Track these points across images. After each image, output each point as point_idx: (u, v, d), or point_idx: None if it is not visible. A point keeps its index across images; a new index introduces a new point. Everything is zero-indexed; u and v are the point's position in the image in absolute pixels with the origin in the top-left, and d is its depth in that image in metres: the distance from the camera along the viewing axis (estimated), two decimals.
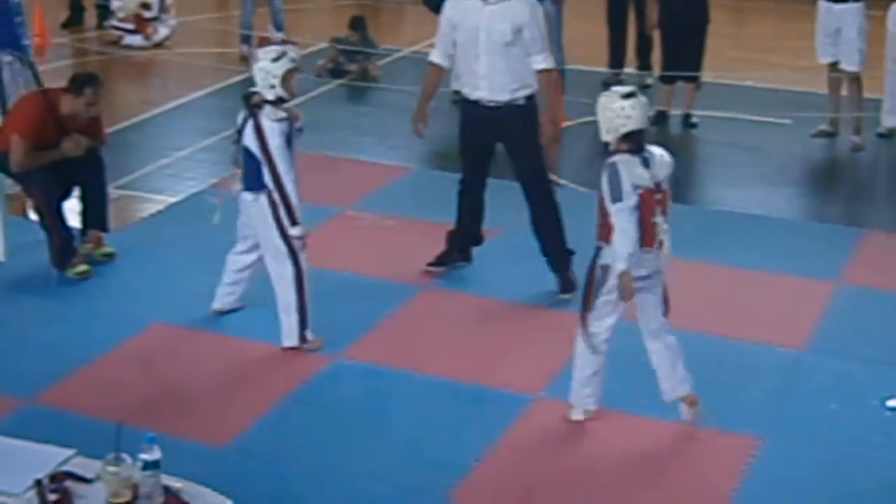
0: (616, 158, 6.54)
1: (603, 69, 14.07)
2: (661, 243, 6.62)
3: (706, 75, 12.89)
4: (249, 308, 8.11)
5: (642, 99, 6.60)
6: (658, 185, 6.55)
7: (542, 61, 8.27)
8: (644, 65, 13.89)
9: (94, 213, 9.00)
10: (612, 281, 6.64)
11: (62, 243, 8.67)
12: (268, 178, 7.49)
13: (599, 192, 6.59)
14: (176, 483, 5.04)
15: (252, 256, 7.87)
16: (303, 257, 7.61)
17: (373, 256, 8.93)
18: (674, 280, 8.79)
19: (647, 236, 6.56)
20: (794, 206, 10.92)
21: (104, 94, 8.78)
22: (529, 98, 8.35)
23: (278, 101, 7.54)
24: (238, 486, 5.50)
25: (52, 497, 4.95)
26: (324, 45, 14.60)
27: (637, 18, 13.69)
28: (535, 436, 6.94)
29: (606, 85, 13.87)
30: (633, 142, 6.54)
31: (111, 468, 4.88)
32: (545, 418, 7.12)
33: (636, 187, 6.49)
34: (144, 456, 4.91)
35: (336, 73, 14.16)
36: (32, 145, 8.55)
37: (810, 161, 12.03)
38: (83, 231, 9.02)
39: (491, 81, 8.25)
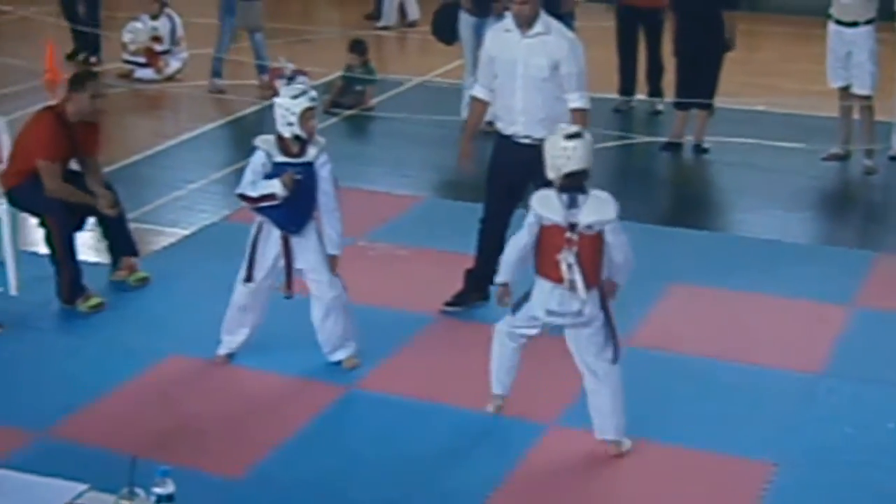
0: (535, 194, 6.73)
1: (613, 96, 14.07)
2: (571, 284, 6.62)
3: (717, 100, 12.88)
4: (263, 339, 8.10)
5: (587, 139, 6.67)
6: (573, 226, 6.57)
7: (577, 100, 8.15)
8: (655, 91, 13.88)
9: (122, 241, 9.06)
10: (531, 299, 6.83)
11: (72, 278, 8.67)
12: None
13: None
14: None
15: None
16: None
17: (386, 286, 8.93)
18: (688, 307, 8.83)
19: (547, 268, 6.69)
20: (807, 230, 10.90)
21: (105, 91, 8.74)
22: None
23: (297, 141, 7.50)
24: None
25: None
26: (336, 74, 14.59)
27: (647, 44, 13.70)
28: (551, 464, 6.91)
29: (617, 111, 13.95)
30: (574, 181, 6.60)
31: (124, 502, 4.87)
32: (560, 447, 7.09)
33: (541, 218, 6.63)
34: (158, 490, 4.90)
35: (336, 104, 14.12)
36: (59, 166, 8.57)
37: (823, 185, 12.00)
38: (115, 260, 9.07)
39: (527, 117, 8.15)
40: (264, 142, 7.54)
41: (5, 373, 7.95)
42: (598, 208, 6.62)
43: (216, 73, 14.92)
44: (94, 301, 8.71)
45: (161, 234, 10.27)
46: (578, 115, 8.12)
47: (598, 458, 6.94)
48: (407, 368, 7.99)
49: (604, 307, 6.80)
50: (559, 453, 7.04)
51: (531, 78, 8.09)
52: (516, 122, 8.23)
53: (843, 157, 12.34)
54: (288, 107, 7.42)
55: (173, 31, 15.73)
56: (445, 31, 13.55)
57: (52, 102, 9.09)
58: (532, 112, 8.14)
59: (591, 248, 6.64)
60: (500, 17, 13.23)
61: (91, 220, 9.02)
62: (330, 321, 7.71)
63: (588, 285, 6.62)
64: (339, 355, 7.79)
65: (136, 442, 6.71)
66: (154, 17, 15.76)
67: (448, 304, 8.69)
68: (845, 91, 12.13)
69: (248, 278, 7.68)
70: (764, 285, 9.18)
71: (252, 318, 7.84)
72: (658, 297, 8.97)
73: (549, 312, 6.73)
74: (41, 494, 5.23)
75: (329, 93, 14.24)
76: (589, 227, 6.59)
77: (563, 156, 6.59)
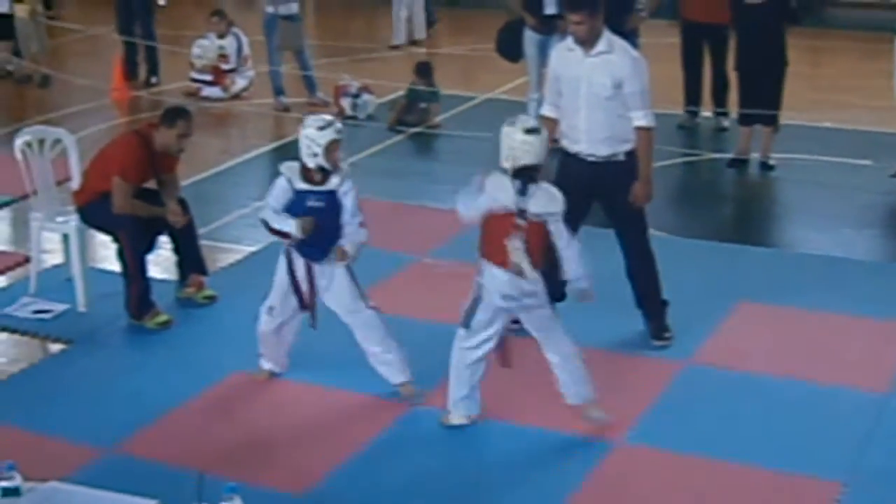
0: (490, 176, 7.00)
1: (678, 111, 14.03)
2: (518, 268, 6.91)
3: (784, 117, 12.81)
4: (327, 355, 8.12)
5: (544, 136, 6.97)
6: (522, 212, 6.87)
7: (642, 118, 8.09)
8: (720, 107, 13.81)
9: (191, 259, 9.14)
10: (486, 299, 7.08)
11: (141, 293, 8.74)
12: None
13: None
14: None
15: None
16: None
17: (449, 304, 8.88)
18: (756, 324, 8.77)
19: (496, 254, 6.97)
20: (875, 247, 10.80)
21: (192, 131, 8.83)
22: (629, 154, 8.17)
23: (320, 171, 7.50)
24: None
25: None
26: (400, 91, 14.64)
27: (712, 60, 13.63)
28: (619, 482, 6.89)
29: (682, 128, 13.90)
30: (527, 172, 6.91)
31: None
32: (628, 464, 7.07)
33: (494, 200, 6.91)
34: None
35: (402, 122, 14.16)
36: (134, 188, 8.64)
37: (891, 202, 11.89)
38: (182, 278, 9.17)
39: (590, 135, 8.10)
40: (288, 168, 7.57)
41: (74, 388, 8.02)
42: (547, 200, 6.96)
43: (278, 91, 15.02)
44: (161, 318, 8.77)
45: (227, 251, 10.32)
46: (643, 133, 8.10)
47: (665, 477, 6.91)
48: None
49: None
50: (628, 470, 7.01)
51: (595, 97, 8.03)
52: (580, 141, 8.18)
53: None
54: (314, 138, 7.41)
55: (239, 49, 15.85)
56: (511, 48, 13.54)
57: (139, 127, 9.16)
58: (595, 131, 8.10)
59: (538, 235, 6.95)
60: (564, 35, 13.24)
61: (162, 239, 9.09)
62: (376, 352, 7.75)
63: (534, 268, 6.95)
64: (396, 379, 7.80)
65: (203, 458, 6.76)
66: (221, 36, 15.89)
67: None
68: None
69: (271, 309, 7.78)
70: (831, 303, 9.11)
71: (289, 336, 7.91)
72: (725, 314, 8.92)
73: (506, 297, 7.02)
74: None
75: (394, 110, 14.28)
76: (537, 215, 6.91)
77: (521, 148, 6.88)
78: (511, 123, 6.96)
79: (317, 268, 7.60)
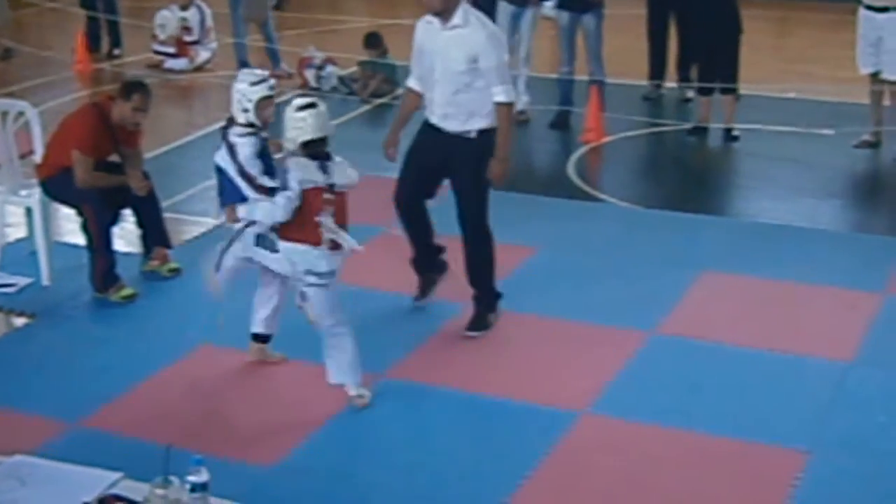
0: (291, 159, 7.03)
1: (643, 83, 14.06)
2: (333, 244, 7.02)
3: (747, 88, 12.86)
4: (294, 329, 8.12)
5: (321, 110, 7.00)
6: (331, 186, 6.99)
7: (501, 93, 7.81)
8: (685, 78, 13.84)
9: (155, 232, 9.12)
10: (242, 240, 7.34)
11: (106, 267, 8.71)
12: (251, 194, 7.35)
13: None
14: None
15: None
16: None
17: (414, 276, 8.92)
18: (720, 294, 8.82)
19: (310, 234, 7.01)
20: (838, 217, 10.87)
21: (151, 103, 8.79)
22: (482, 132, 7.93)
23: (249, 127, 7.42)
24: None
25: None
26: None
27: (678, 31, 13.66)
28: (582, 452, 6.91)
29: (646, 99, 13.94)
30: (311, 149, 6.98)
31: (159, 491, 4.88)
32: (592, 434, 7.09)
33: (303, 182, 6.94)
34: (192, 478, 4.91)
35: (376, 94, 14.16)
36: (94, 160, 8.60)
37: (854, 172, 11.97)
38: (147, 251, 9.14)
39: (443, 109, 7.98)
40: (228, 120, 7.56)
41: (38, 362, 8.00)
42: (345, 172, 7.08)
43: (243, 63, 14.98)
44: (126, 291, 8.75)
45: (192, 224, 10.29)
46: (503, 108, 7.89)
47: (630, 447, 6.94)
48: (436, 357, 8.00)
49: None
50: (592, 440, 7.03)
51: (448, 71, 7.88)
52: (434, 114, 8.06)
53: (874, 144, 12.30)
54: (245, 93, 7.37)
55: (202, 21, 15.81)
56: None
57: (97, 99, 9.12)
58: (447, 105, 7.95)
59: (344, 207, 7.11)
60: (538, 6, 13.29)
61: (126, 213, 9.07)
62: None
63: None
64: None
65: (169, 431, 6.73)
66: (184, 8, 15.83)
67: (417, 298, 8.64)
68: (876, 77, 12.09)
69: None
70: (795, 273, 9.16)
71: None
72: (689, 284, 8.96)
73: (320, 275, 7.05)
74: (76, 482, 5.25)
75: (360, 82, 14.29)
76: (342, 187, 7.06)
77: (295, 126, 6.93)
78: (288, 106, 7.02)
79: None
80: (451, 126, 7.97)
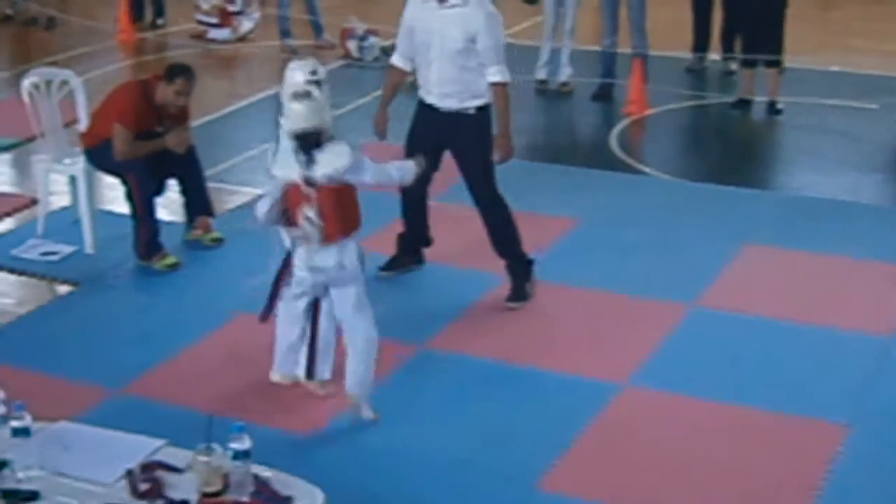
0: (282, 154, 6.69)
1: (686, 55, 13.99)
2: (307, 238, 6.66)
3: (792, 61, 12.77)
4: None
5: (316, 99, 6.59)
6: (309, 181, 6.57)
7: (496, 73, 7.86)
8: (728, 50, 13.76)
9: (198, 201, 9.15)
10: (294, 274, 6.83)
11: (150, 235, 8.76)
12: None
13: None
14: (266, 472, 5.08)
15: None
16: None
17: (457, 247, 8.93)
18: (762, 268, 8.79)
19: (294, 227, 6.71)
20: (882, 191, 10.79)
21: (195, 87, 8.83)
22: (480, 109, 8.00)
23: None
24: (326, 474, 5.52)
25: (144, 486, 5.01)
26: None
27: (723, 3, 13.56)
28: (624, 424, 6.92)
29: (690, 71, 13.87)
30: (306, 140, 6.56)
31: (202, 458, 4.93)
32: (633, 407, 7.10)
33: (282, 179, 6.65)
34: (235, 445, 4.96)
35: None
36: (134, 134, 8.64)
37: None
38: (190, 220, 9.20)
39: (441, 89, 7.98)
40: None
41: (82, 330, 8.06)
42: (331, 159, 6.59)
43: (285, 34, 15.00)
44: (170, 260, 8.80)
45: (234, 193, 10.33)
46: (498, 89, 7.93)
47: (672, 419, 6.94)
48: (477, 328, 8.01)
49: (363, 264, 6.81)
50: (633, 413, 7.04)
51: (447, 50, 7.88)
52: (431, 93, 8.06)
53: None
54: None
55: None
56: None
57: (145, 77, 9.15)
58: (445, 84, 7.96)
59: (332, 200, 6.62)
60: None
61: (170, 182, 9.11)
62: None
63: (332, 236, 6.65)
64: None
65: (211, 399, 6.79)
66: None
67: (382, 268, 8.60)
68: None
69: None
70: (837, 247, 9.12)
71: None
72: (731, 257, 8.94)
73: (312, 269, 6.73)
74: (119, 449, 5.30)
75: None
76: (329, 178, 6.59)
77: (288, 116, 6.60)
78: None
79: None
80: (450, 104, 7.99)
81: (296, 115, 6.56)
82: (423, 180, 8.20)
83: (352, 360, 6.89)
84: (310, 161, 6.56)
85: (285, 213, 6.70)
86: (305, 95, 6.60)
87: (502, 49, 7.94)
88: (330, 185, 6.59)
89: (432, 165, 8.15)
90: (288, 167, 6.63)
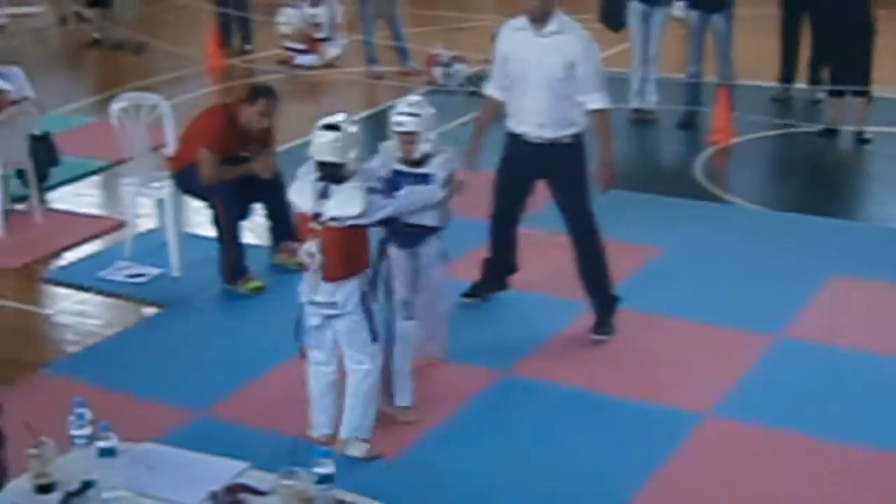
0: (300, 171, 6.60)
1: (772, 84, 13.91)
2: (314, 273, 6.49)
3: (879, 90, 12.65)
4: None
5: (345, 135, 6.42)
6: (318, 216, 6.42)
7: (597, 100, 7.83)
8: (815, 80, 13.65)
9: (283, 225, 9.18)
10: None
11: (235, 259, 8.83)
12: None
13: None
14: (348, 496, 5.09)
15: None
16: None
17: (543, 274, 8.92)
18: (848, 299, 8.70)
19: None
20: None
21: (278, 108, 8.88)
22: (576, 136, 7.95)
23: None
24: (408, 499, 5.53)
25: None
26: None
27: (812, 31, 13.47)
28: (706, 455, 6.86)
29: (776, 100, 13.79)
30: (327, 171, 6.43)
31: (286, 481, 4.95)
32: (717, 438, 7.04)
33: (296, 203, 6.57)
34: (318, 469, 4.97)
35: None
36: (220, 158, 8.71)
37: None
38: (275, 244, 9.26)
39: (538, 117, 7.90)
40: (386, 148, 7.33)
41: (167, 352, 8.13)
42: (344, 202, 6.40)
43: (371, 60, 15.10)
44: (254, 284, 8.85)
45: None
46: (598, 116, 7.89)
47: (755, 451, 6.87)
48: (561, 355, 7.98)
49: (364, 302, 6.56)
50: (716, 443, 6.98)
51: (545, 78, 7.81)
52: (526, 122, 7.98)
53: None
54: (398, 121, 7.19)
55: (332, 18, 15.94)
56: (613, 18, 13.53)
57: (228, 101, 9.23)
58: (543, 113, 7.88)
59: (336, 240, 6.43)
60: (669, 5, 13.23)
61: (256, 207, 9.18)
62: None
63: (330, 275, 6.47)
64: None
65: (294, 423, 6.82)
66: (314, 5, 15.97)
67: (464, 294, 8.55)
68: None
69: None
70: None
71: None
72: (817, 288, 8.85)
73: (312, 303, 6.58)
74: (203, 471, 5.34)
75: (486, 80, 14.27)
76: (335, 219, 6.41)
77: (316, 145, 6.45)
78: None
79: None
80: (547, 133, 7.92)
81: (318, 145, 6.44)
82: (516, 208, 8.24)
83: (347, 402, 6.78)
84: (324, 194, 6.44)
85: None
86: (334, 128, 6.45)
87: (600, 75, 7.90)
88: (337, 225, 6.44)
89: (525, 195, 8.18)
90: (303, 194, 6.52)
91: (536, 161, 8.00)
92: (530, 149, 8.01)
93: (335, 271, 6.48)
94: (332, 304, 6.54)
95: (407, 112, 7.14)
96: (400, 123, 7.13)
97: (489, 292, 8.69)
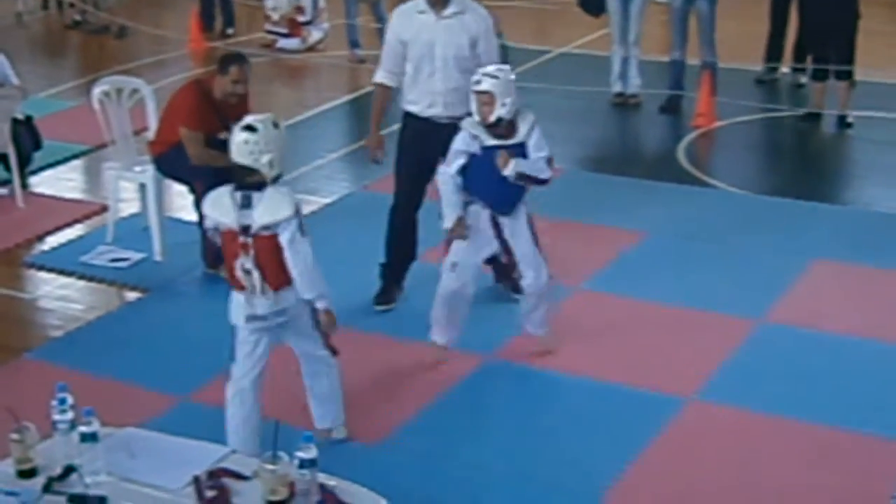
0: (216, 191, 6.24)
1: (755, 67, 13.92)
2: (252, 289, 6.20)
3: (862, 74, 12.67)
4: (404, 309, 8.17)
5: (264, 135, 6.06)
6: (246, 228, 6.06)
7: None
8: (799, 62, 13.65)
9: None
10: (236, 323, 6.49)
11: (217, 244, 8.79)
12: None
13: None
14: (331, 481, 5.09)
15: None
16: None
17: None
18: (830, 283, 8.72)
19: (231, 276, 6.30)
20: None
21: (250, 73, 8.78)
22: None
23: (500, 123, 7.24)
24: (391, 484, 5.52)
25: (210, 493, 5.02)
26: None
27: (799, 15, 13.46)
28: (689, 439, 6.88)
29: (759, 83, 13.79)
30: (246, 176, 6.09)
31: (268, 466, 4.94)
32: (699, 421, 7.06)
33: (217, 223, 6.23)
34: (301, 454, 4.96)
35: None
36: (202, 135, 8.64)
37: None
38: None
39: (448, 96, 7.95)
40: (471, 124, 7.28)
41: (150, 337, 8.12)
42: (273, 207, 6.05)
43: (354, 44, 15.08)
44: None
45: (302, 202, 10.32)
46: None
47: (738, 435, 6.89)
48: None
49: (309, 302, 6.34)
50: (699, 427, 7.00)
51: (451, 58, 7.90)
52: (436, 104, 8.01)
53: None
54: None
55: (315, 2, 15.89)
56: (593, 3, 13.51)
57: (200, 76, 9.18)
58: (452, 92, 7.93)
59: (270, 249, 6.10)
60: None
61: None
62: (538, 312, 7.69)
63: (277, 285, 6.20)
64: None
65: (277, 407, 6.80)
66: None
67: (379, 303, 8.46)
68: None
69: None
70: None
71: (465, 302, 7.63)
72: (799, 272, 8.87)
73: (252, 318, 6.28)
74: (186, 455, 5.32)
75: None
76: (266, 227, 6.06)
77: (236, 150, 6.10)
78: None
79: (504, 221, 7.44)
80: (454, 112, 7.91)
81: (235, 147, 6.11)
82: (422, 194, 8.22)
83: (320, 397, 6.76)
84: (246, 204, 6.07)
85: (222, 260, 6.27)
86: (253, 129, 6.08)
87: (497, 50, 8.12)
88: (269, 234, 6.09)
89: (430, 178, 8.10)
90: (221, 207, 6.15)
91: (446, 141, 7.83)
92: (440, 129, 7.95)
93: (278, 277, 6.18)
94: (282, 312, 6.30)
95: (487, 73, 7.20)
96: (478, 82, 7.18)
97: (398, 295, 8.56)
